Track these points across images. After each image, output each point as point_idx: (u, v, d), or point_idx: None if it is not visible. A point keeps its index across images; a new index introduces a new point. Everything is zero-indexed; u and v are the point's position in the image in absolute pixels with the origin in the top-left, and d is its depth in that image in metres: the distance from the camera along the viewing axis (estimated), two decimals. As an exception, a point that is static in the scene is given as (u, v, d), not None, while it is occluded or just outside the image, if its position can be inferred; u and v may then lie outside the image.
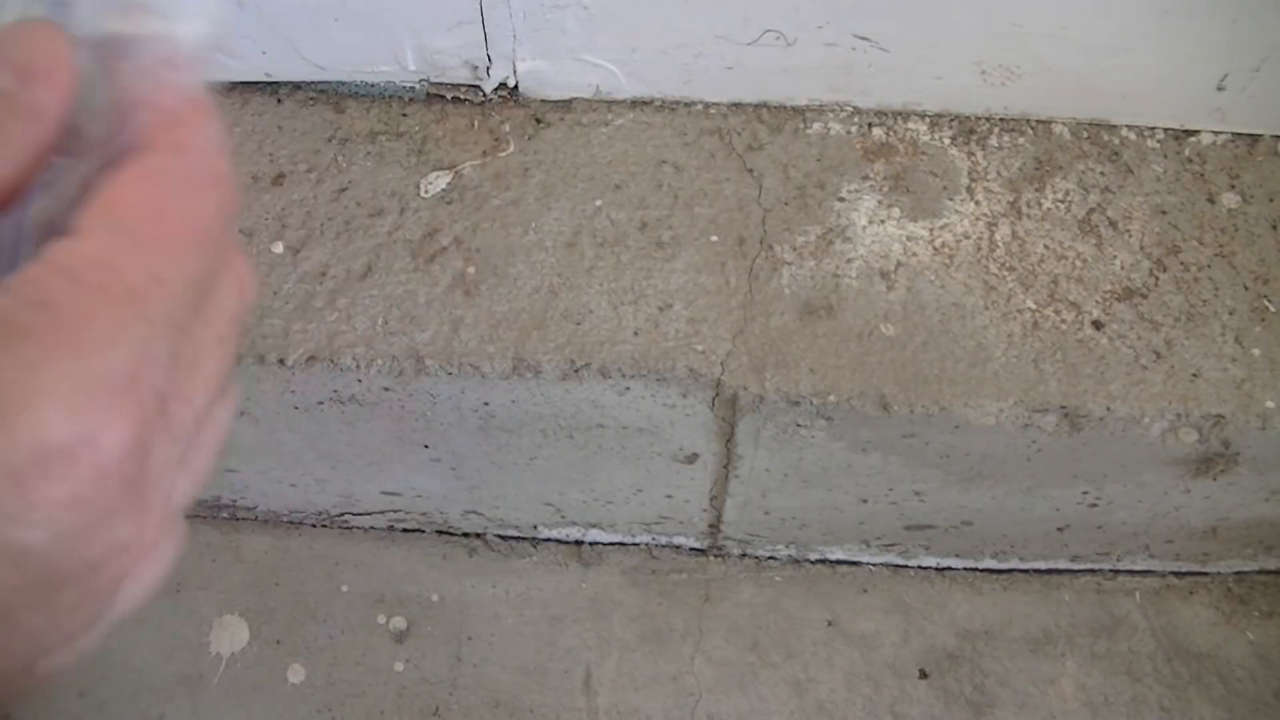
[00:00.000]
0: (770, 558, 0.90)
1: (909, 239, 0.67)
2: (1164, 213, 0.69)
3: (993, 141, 0.71)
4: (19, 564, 0.22)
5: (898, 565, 0.89)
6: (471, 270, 0.67)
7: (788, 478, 0.75)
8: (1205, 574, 0.89)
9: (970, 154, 0.70)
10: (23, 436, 0.22)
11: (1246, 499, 0.75)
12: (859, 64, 0.68)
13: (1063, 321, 0.65)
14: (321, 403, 0.68)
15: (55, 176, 0.29)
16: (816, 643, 0.86)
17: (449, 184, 0.70)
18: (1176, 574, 0.89)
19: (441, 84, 0.73)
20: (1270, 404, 0.63)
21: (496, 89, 0.73)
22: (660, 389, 0.64)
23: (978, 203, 0.69)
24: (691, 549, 0.90)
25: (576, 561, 0.89)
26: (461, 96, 0.74)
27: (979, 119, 0.72)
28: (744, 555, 0.90)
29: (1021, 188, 0.69)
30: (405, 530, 0.89)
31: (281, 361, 0.64)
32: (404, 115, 0.75)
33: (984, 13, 0.64)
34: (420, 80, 0.73)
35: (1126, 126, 0.71)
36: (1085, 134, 0.71)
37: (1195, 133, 0.72)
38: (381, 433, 0.71)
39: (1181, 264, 0.67)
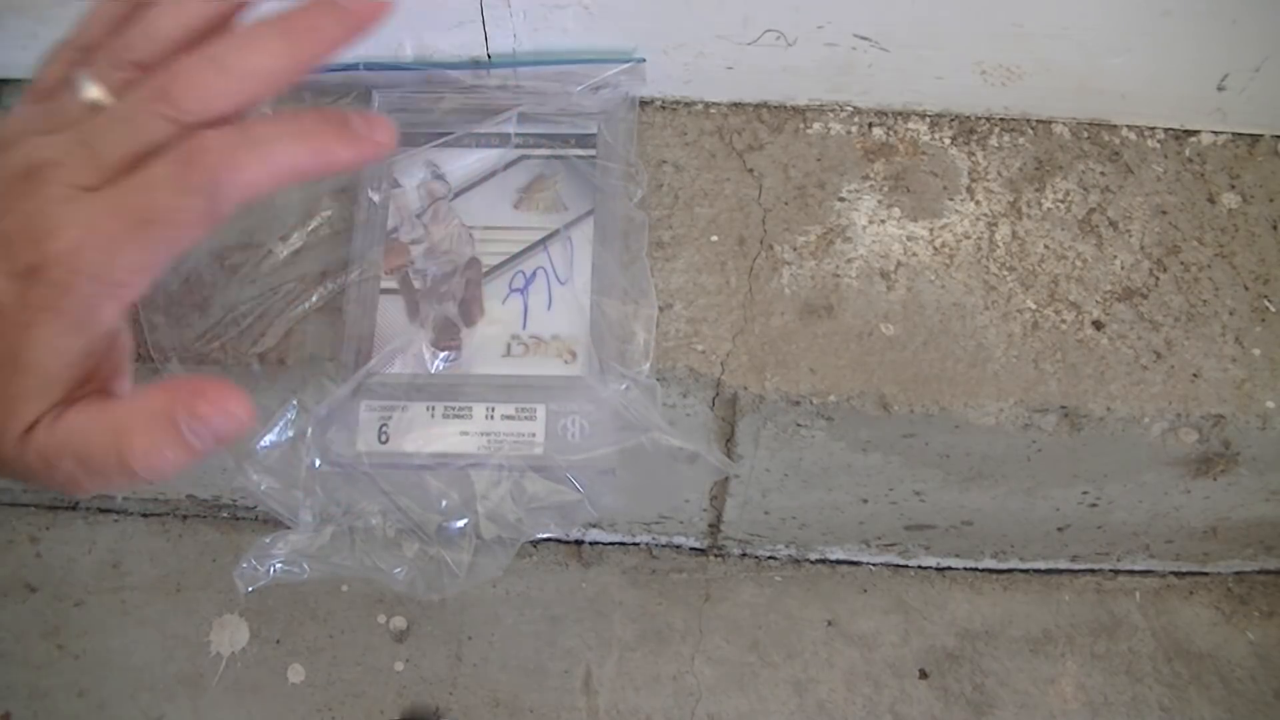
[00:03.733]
0: (770, 558, 0.90)
1: (909, 239, 0.67)
2: (1164, 213, 0.69)
3: (993, 141, 0.71)
4: None
5: (898, 565, 0.89)
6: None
7: (788, 478, 0.75)
8: (1205, 574, 0.89)
9: (970, 154, 0.70)
10: None
11: (1246, 499, 0.75)
12: (859, 64, 0.68)
13: (1063, 321, 0.65)
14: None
15: None
16: (816, 642, 0.86)
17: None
18: (1176, 574, 0.89)
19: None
20: (1270, 404, 0.63)
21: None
22: (660, 389, 0.64)
23: (978, 203, 0.69)
24: (691, 549, 0.90)
25: (576, 561, 0.89)
26: (462, 96, 0.74)
27: (979, 119, 0.72)
28: (744, 555, 0.90)
29: (1022, 188, 0.69)
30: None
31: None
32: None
33: (984, 13, 0.64)
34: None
35: (1127, 126, 0.72)
36: (1085, 134, 0.71)
37: (1195, 133, 0.72)
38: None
39: (1181, 264, 0.67)
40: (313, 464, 0.57)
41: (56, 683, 0.85)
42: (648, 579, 0.88)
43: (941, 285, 0.66)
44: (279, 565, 0.58)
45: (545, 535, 0.58)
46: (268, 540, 0.58)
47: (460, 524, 0.57)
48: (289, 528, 0.58)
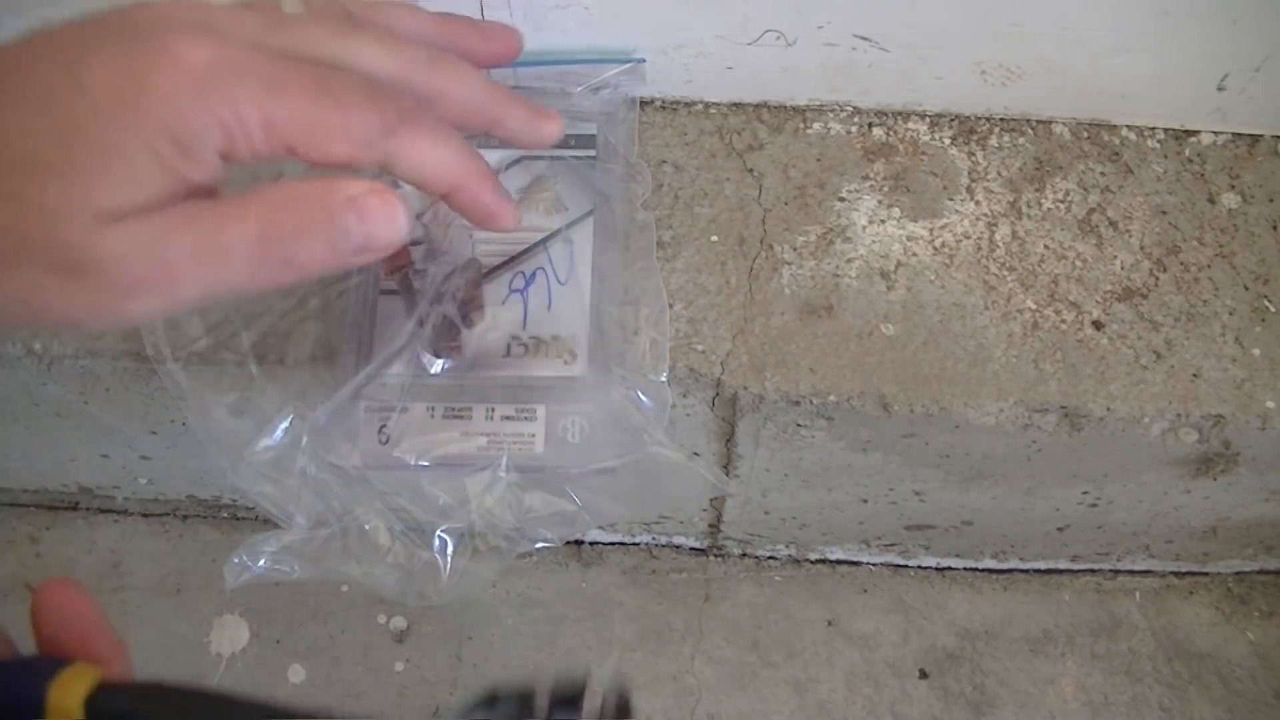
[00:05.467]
0: (770, 558, 0.90)
1: (909, 239, 0.67)
2: (1164, 213, 0.69)
3: (993, 141, 0.71)
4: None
5: (898, 565, 0.89)
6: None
7: (788, 478, 0.75)
8: (1205, 574, 0.89)
9: (970, 154, 0.70)
10: None
11: (1246, 499, 0.75)
12: (859, 64, 0.68)
13: (1063, 321, 0.65)
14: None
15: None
16: (816, 642, 0.86)
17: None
18: (1176, 574, 0.89)
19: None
20: (1270, 404, 0.63)
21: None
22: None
23: (978, 203, 0.69)
24: (691, 549, 0.90)
25: (576, 561, 0.89)
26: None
27: (979, 119, 0.72)
28: (744, 555, 0.90)
29: (1021, 188, 0.69)
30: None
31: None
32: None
33: (984, 13, 0.64)
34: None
35: (1127, 126, 0.72)
36: (1085, 134, 0.71)
37: (1195, 133, 0.72)
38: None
39: (1181, 264, 0.67)
40: (309, 466, 0.57)
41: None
42: (648, 579, 0.88)
43: (941, 285, 0.66)
44: (267, 563, 0.58)
45: (541, 545, 0.58)
46: (260, 538, 0.58)
47: (456, 529, 0.57)
48: (285, 529, 0.58)
